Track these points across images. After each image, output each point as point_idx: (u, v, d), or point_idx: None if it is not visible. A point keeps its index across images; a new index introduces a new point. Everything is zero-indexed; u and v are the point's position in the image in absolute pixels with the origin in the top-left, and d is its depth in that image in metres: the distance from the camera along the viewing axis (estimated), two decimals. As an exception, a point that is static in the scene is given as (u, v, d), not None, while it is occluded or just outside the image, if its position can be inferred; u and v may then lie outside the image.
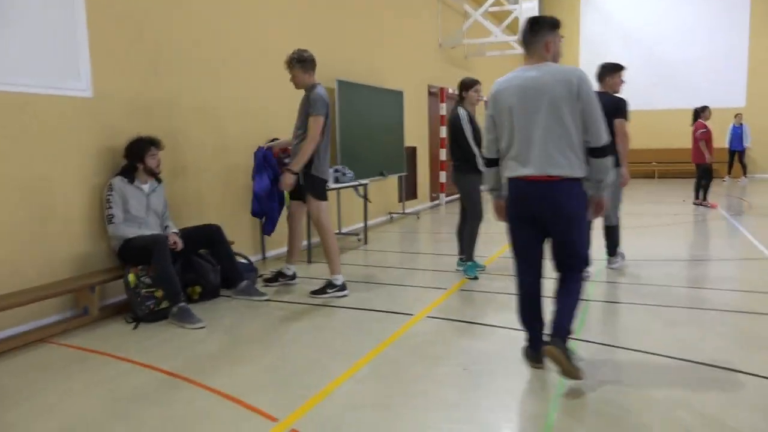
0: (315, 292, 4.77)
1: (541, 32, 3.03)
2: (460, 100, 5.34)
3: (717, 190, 12.08)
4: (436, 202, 11.40)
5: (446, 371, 3.18)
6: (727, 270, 5.55)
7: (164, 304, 4.20)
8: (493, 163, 3.25)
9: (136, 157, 4.37)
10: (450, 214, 10.17)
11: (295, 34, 6.57)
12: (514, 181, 3.08)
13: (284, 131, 5.48)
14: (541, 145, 2.94)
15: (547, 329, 3.14)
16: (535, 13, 11.84)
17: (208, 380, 3.08)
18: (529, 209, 3.06)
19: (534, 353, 3.23)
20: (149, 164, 4.42)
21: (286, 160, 5.03)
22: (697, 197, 10.16)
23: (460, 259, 5.52)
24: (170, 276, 4.17)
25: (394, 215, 9.43)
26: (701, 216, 9.03)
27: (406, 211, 9.80)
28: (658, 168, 16.74)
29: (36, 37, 3.87)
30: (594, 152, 2.99)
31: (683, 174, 15.14)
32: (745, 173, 14.85)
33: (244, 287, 4.73)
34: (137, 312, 4.13)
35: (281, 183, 4.72)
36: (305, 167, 4.72)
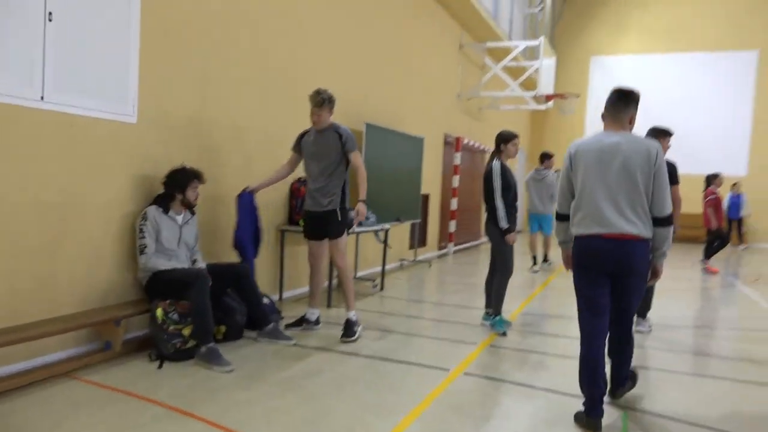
0: (347, 337, 4.69)
1: (630, 105, 3.24)
2: (497, 152, 5.31)
3: (720, 256, 12.04)
4: (444, 250, 11.31)
5: (499, 436, 3.02)
6: (755, 341, 5.44)
7: (191, 343, 4.02)
8: (565, 218, 3.38)
9: (177, 187, 4.26)
10: (458, 264, 10.07)
11: (329, 75, 6.58)
12: (587, 238, 3.16)
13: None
14: (617, 204, 3.09)
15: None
16: (553, 70, 12.06)
17: None
18: (602, 266, 3.15)
19: (591, 420, 3.11)
20: (189, 197, 4.31)
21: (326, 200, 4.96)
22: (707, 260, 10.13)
23: (487, 313, 5.39)
24: (208, 315, 4.01)
25: (404, 262, 9.31)
26: (713, 281, 8.97)
27: (413, 258, 9.68)
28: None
29: (90, 59, 3.81)
30: (657, 222, 3.15)
31: (687, 239, 15.17)
32: (742, 241, 14.98)
33: (271, 330, 4.56)
34: (162, 350, 3.94)
35: (360, 214, 4.75)
36: (341, 202, 4.84)
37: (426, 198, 10.31)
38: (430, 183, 10.41)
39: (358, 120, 7.03)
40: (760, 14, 16.04)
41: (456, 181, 11.17)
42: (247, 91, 5.41)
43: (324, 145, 4.80)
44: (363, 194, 4.84)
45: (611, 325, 3.30)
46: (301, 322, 5.01)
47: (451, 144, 11.26)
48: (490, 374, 4.04)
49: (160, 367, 3.82)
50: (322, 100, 4.69)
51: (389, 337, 4.91)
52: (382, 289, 7.03)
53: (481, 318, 5.45)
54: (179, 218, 4.36)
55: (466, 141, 11.55)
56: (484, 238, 14.10)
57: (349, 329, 4.75)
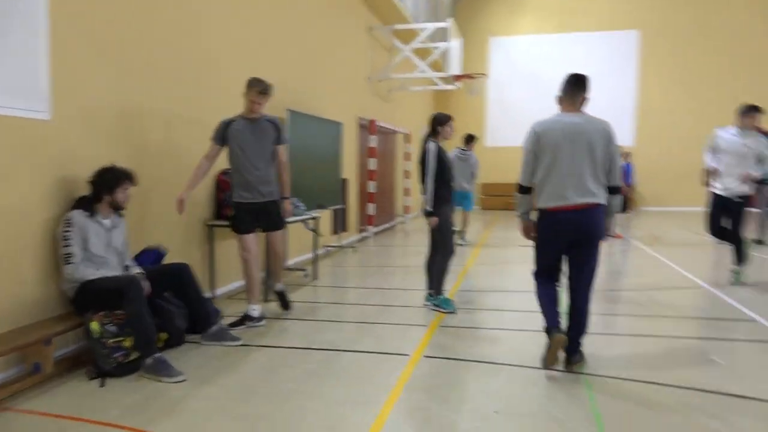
0: (289, 307, 5.21)
1: (583, 88, 3.61)
2: (433, 134, 5.30)
3: (616, 221, 12.90)
4: (365, 234, 11.29)
5: (479, 415, 3.03)
6: (677, 298, 5.88)
7: (134, 355, 3.70)
8: (528, 191, 3.73)
9: (106, 188, 3.87)
10: (381, 247, 10.09)
11: (249, 61, 6.28)
12: (555, 211, 3.53)
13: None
14: (581, 178, 3.48)
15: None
16: (459, 51, 12.29)
17: (225, 443, 2.71)
18: (567, 233, 3.54)
19: (556, 335, 3.56)
20: (118, 199, 3.93)
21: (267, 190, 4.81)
22: (609, 228, 10.87)
23: (429, 294, 5.41)
24: (147, 323, 3.69)
25: (329, 249, 9.18)
26: (619, 246, 9.61)
27: (336, 244, 9.58)
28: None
29: (-11, 50, 3.35)
30: (612, 190, 3.56)
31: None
32: (631, 206, 16.39)
33: (216, 331, 4.31)
34: (103, 366, 3.59)
35: (287, 212, 4.98)
36: (279, 192, 4.88)
37: (345, 182, 10.19)
38: (348, 167, 10.29)
39: (279, 106, 6.77)
40: (641, -3, 17.27)
41: (372, 163, 11.14)
42: (172, 82, 5.04)
43: (260, 134, 4.68)
44: (288, 191, 4.99)
45: (573, 288, 3.65)
46: (244, 320, 4.78)
47: (366, 127, 11.20)
48: (449, 354, 4.06)
49: (102, 385, 3.49)
50: (266, 88, 4.60)
51: (338, 327, 4.82)
52: (315, 278, 6.88)
53: (424, 299, 5.47)
54: (107, 222, 3.98)
55: (379, 123, 11.54)
56: (400, 218, 14.26)
57: (286, 298, 5.21)
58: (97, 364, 3.61)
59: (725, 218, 6.14)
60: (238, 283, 6.22)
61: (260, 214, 4.74)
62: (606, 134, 3.49)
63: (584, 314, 3.67)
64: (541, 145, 3.56)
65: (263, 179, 4.69)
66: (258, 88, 4.54)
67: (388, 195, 13.41)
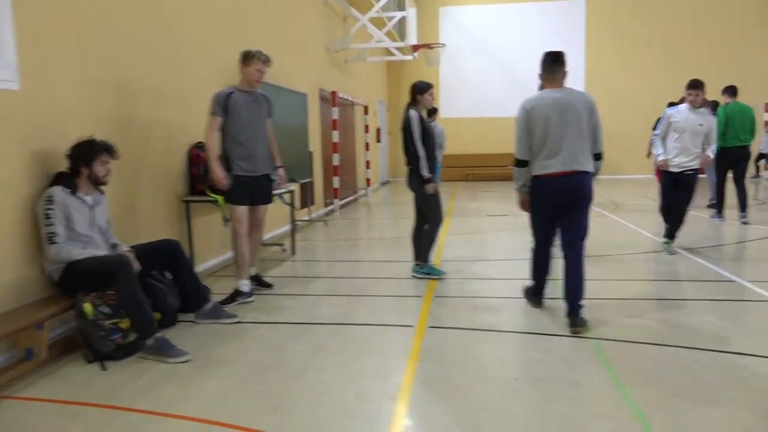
0: (265, 285, 5.06)
1: (563, 64, 3.86)
2: (413, 102, 5.23)
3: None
4: (331, 207, 11.16)
5: (500, 384, 3.05)
6: (654, 261, 6.08)
7: (132, 337, 3.53)
8: (525, 164, 3.95)
9: (83, 161, 3.62)
10: (350, 219, 10.01)
11: (214, 32, 6.00)
12: (547, 178, 3.82)
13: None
14: (571, 148, 3.76)
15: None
16: (414, 20, 12.15)
17: (258, 424, 2.61)
18: (559, 198, 3.85)
19: (538, 299, 4.29)
20: (97, 172, 3.69)
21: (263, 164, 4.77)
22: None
23: (417, 265, 5.39)
24: (141, 303, 3.52)
25: (299, 223, 9.02)
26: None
27: (307, 218, 9.44)
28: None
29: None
30: (596, 156, 3.93)
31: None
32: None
33: (211, 309, 4.17)
34: (101, 348, 3.41)
35: (283, 179, 5.02)
36: (272, 167, 4.88)
37: (310, 155, 10.00)
38: (311, 139, 10.10)
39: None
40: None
41: (336, 136, 10.97)
42: (150, 54, 4.78)
43: (258, 108, 4.65)
44: (280, 161, 5.00)
45: (567, 251, 3.87)
46: (235, 296, 4.63)
47: (327, 99, 10.98)
48: (453, 324, 4.06)
49: (103, 368, 3.31)
50: (269, 58, 4.51)
51: (330, 300, 4.75)
52: (293, 253, 6.75)
53: (412, 271, 5.43)
54: (89, 199, 3.74)
55: (342, 95, 11.34)
56: (362, 192, 14.17)
57: (262, 280, 5.09)
58: (94, 347, 3.42)
59: (676, 193, 6.04)
60: (216, 260, 6.05)
61: (254, 188, 4.66)
62: (590, 106, 3.79)
63: (580, 278, 3.83)
64: (533, 119, 3.80)
65: (263, 153, 4.71)
66: (263, 58, 4.49)
67: (350, 168, 13.28)
